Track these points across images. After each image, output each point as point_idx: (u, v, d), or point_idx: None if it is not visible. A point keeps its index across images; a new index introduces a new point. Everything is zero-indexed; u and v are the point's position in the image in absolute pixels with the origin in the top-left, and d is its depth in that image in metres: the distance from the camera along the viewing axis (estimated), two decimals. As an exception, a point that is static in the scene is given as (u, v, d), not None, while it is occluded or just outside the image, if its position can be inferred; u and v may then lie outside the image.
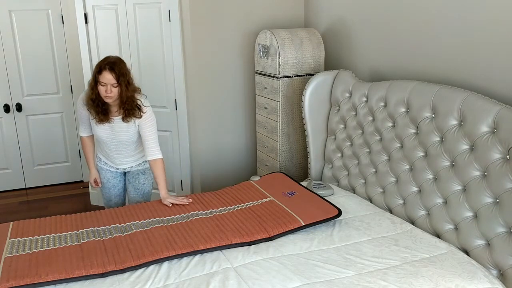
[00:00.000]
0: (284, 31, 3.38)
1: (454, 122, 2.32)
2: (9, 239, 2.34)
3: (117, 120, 2.72)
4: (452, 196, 2.31)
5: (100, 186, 3.03)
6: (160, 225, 2.45)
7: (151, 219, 2.53)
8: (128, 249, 2.20)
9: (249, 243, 2.30)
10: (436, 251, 2.20)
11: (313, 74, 3.43)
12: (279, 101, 3.38)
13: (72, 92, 4.66)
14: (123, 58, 3.77)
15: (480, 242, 2.16)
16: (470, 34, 2.41)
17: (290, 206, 2.59)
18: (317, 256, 2.19)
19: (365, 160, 2.90)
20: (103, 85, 2.55)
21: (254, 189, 2.90)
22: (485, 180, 2.15)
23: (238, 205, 2.70)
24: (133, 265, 2.09)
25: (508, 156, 2.06)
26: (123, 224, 2.48)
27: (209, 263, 2.14)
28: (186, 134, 3.82)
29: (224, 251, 2.24)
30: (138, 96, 2.69)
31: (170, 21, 3.59)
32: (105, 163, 2.96)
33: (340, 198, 2.86)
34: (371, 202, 2.83)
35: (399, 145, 2.66)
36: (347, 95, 3.07)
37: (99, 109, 2.65)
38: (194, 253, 2.20)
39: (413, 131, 2.56)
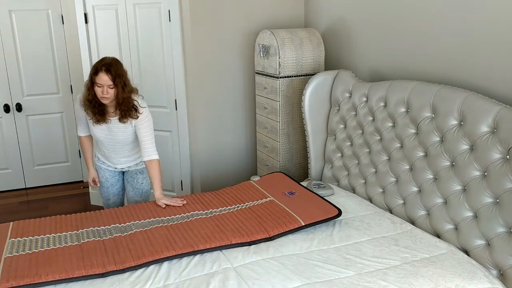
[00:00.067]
0: (284, 31, 3.38)
1: (454, 122, 2.32)
2: (9, 239, 2.34)
3: (114, 120, 2.72)
4: (452, 196, 2.31)
5: (99, 185, 3.04)
6: (160, 225, 2.45)
7: (151, 219, 2.53)
8: (128, 249, 2.20)
9: (249, 243, 2.30)
10: (436, 251, 2.20)
11: (313, 74, 3.43)
12: (279, 101, 3.38)
13: (72, 92, 4.65)
14: (123, 58, 3.81)
15: (480, 242, 2.16)
16: (470, 34, 2.41)
17: (290, 206, 2.59)
18: (317, 256, 2.19)
19: (365, 160, 2.90)
20: (99, 86, 2.56)
21: (254, 189, 2.90)
22: (485, 180, 2.15)
23: (238, 205, 2.70)
24: (133, 265, 2.09)
25: (508, 156, 2.06)
26: (123, 224, 2.48)
27: (209, 263, 2.14)
28: (186, 134, 3.82)
29: (224, 251, 2.24)
30: (135, 97, 2.69)
31: (170, 21, 3.59)
32: (104, 162, 2.97)
33: (340, 198, 2.86)
34: (371, 202, 2.83)
35: (399, 145, 2.66)
36: (347, 95, 3.07)
37: (96, 109, 2.66)
38: (194, 253, 2.20)
39: (413, 131, 2.56)
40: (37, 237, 2.35)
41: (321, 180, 3.29)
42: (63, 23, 4.48)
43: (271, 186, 2.92)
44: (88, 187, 4.60)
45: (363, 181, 2.92)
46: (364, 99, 2.92)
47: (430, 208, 2.43)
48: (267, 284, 1.96)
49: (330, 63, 3.61)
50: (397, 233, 2.39)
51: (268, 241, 2.33)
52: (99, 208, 4.13)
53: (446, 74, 2.59)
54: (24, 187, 4.75)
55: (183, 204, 2.71)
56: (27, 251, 2.20)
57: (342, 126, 3.11)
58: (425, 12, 2.68)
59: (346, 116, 3.06)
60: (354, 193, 2.98)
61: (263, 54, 3.44)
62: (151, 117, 2.77)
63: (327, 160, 3.25)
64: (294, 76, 3.39)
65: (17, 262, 2.10)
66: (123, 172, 3.04)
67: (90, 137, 2.96)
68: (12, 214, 4.11)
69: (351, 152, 3.03)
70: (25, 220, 2.55)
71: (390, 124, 2.72)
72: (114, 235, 2.35)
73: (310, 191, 2.82)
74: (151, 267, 2.12)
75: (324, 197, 2.81)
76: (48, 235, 2.37)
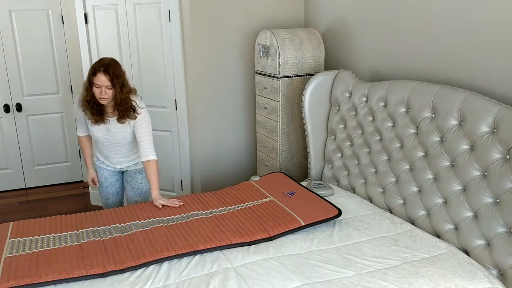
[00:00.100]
0: (284, 31, 3.38)
1: (454, 122, 2.32)
2: (9, 239, 2.34)
3: (112, 121, 2.72)
4: (452, 196, 2.31)
5: (98, 185, 3.04)
6: (160, 225, 2.45)
7: (151, 219, 2.53)
8: (128, 249, 2.20)
9: (249, 243, 2.30)
10: (436, 251, 2.20)
11: (313, 74, 3.43)
12: (279, 101, 3.38)
13: (72, 92, 4.65)
14: (123, 58, 3.81)
15: (480, 242, 2.16)
16: (470, 34, 2.41)
17: (290, 206, 2.59)
18: (317, 256, 2.19)
19: (365, 160, 2.90)
20: (97, 87, 2.56)
21: (254, 189, 2.90)
22: (485, 180, 2.15)
23: (238, 205, 2.70)
24: (133, 265, 2.09)
25: (508, 156, 2.06)
26: (123, 224, 2.48)
27: (209, 263, 2.14)
28: (186, 134, 3.82)
29: (224, 251, 2.24)
30: (133, 97, 2.69)
31: (170, 21, 3.59)
32: (103, 162, 2.97)
33: (340, 198, 2.86)
34: (371, 202, 2.83)
35: (399, 145, 2.66)
36: (347, 95, 3.07)
37: (94, 110, 2.66)
38: (194, 253, 2.20)
39: (413, 131, 2.56)
40: (37, 237, 2.35)
41: (321, 180, 3.29)
42: (63, 23, 4.48)
43: (271, 186, 2.92)
44: (88, 187, 4.60)
45: (363, 181, 2.92)
46: (364, 99, 2.92)
47: (430, 208, 2.43)
48: (267, 284, 1.96)
49: (330, 63, 3.61)
50: (397, 233, 2.39)
51: (268, 241, 2.33)
52: (99, 208, 4.13)
53: (446, 74, 2.59)
54: (24, 187, 4.75)
55: (182, 204, 2.72)
56: (27, 251, 2.20)
57: (342, 126, 3.11)
58: (425, 12, 2.68)
59: (346, 116, 3.06)
60: (354, 193, 2.98)
61: (263, 54, 3.44)
62: (149, 117, 2.78)
63: (327, 160, 3.25)
64: (294, 76, 3.38)
65: (17, 262, 2.10)
66: (122, 172, 3.05)
67: (89, 137, 2.97)
68: (12, 214, 4.11)
69: (351, 152, 3.03)
70: (25, 220, 2.55)
71: (390, 124, 2.72)
72: (114, 235, 2.35)
73: (310, 191, 2.82)
74: (151, 267, 2.12)
75: (324, 197, 2.81)
76: (48, 235, 2.37)
